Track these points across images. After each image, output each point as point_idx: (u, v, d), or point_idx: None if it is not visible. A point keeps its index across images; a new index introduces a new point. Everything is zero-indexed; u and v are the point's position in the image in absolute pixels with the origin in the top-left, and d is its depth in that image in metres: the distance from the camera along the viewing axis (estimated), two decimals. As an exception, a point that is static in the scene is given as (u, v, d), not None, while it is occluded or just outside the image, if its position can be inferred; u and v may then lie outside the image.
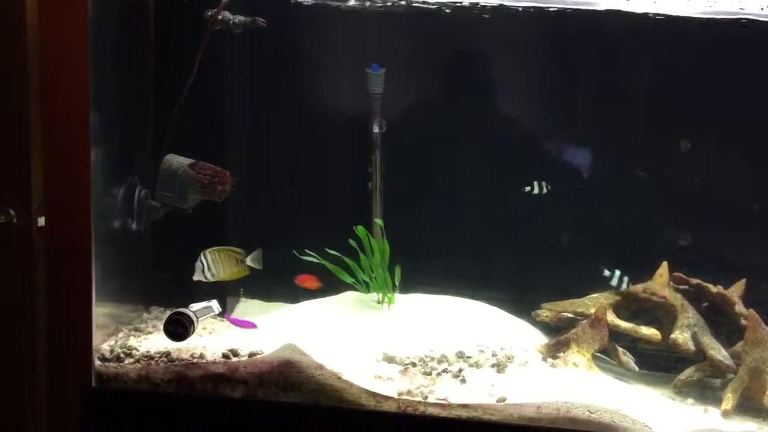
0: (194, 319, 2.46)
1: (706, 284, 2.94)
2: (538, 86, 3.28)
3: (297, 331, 2.78)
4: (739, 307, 2.87)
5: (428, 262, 3.23)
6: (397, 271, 3.13)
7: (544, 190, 3.07)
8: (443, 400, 2.46)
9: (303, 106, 3.29)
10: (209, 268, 2.76)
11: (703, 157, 3.21)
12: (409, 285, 3.20)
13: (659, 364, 3.02)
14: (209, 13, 2.74)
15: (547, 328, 3.13)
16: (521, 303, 3.16)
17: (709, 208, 3.24)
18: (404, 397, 2.46)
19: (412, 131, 3.27)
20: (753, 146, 3.18)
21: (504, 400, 2.46)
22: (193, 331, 2.47)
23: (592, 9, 2.85)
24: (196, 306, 2.54)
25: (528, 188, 3.08)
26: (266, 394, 2.46)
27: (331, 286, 3.14)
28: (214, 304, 2.64)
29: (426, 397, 2.47)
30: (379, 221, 3.12)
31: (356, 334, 2.84)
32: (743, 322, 2.82)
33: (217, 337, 2.77)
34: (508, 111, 3.27)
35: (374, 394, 2.44)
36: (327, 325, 2.88)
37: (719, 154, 3.23)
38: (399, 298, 3.14)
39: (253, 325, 2.80)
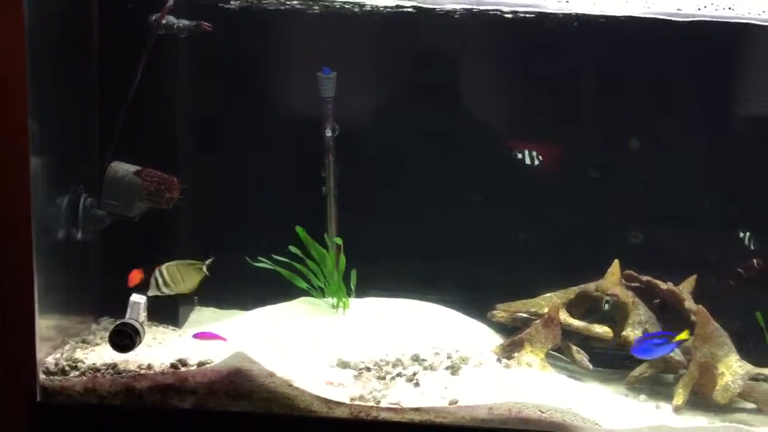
0: (140, 329, 2.41)
1: (656, 281, 2.97)
2: (488, 89, 3.30)
3: (248, 338, 2.74)
4: (689, 303, 2.91)
5: (385, 265, 3.22)
6: (353, 275, 3.12)
7: (535, 162, 3.08)
8: (396, 404, 2.45)
9: (254, 110, 3.26)
10: (165, 284, 2.71)
11: (654, 155, 3.26)
12: (365, 288, 3.20)
13: (613, 361, 3.07)
14: (153, 18, 2.69)
15: (504, 328, 3.14)
16: (477, 304, 3.17)
17: (661, 205, 3.29)
18: (357, 402, 2.45)
19: (363, 135, 3.26)
20: (702, 144, 3.24)
21: (456, 402, 2.46)
22: (140, 342, 2.43)
23: (537, 11, 2.86)
24: (127, 313, 2.49)
25: (519, 155, 3.08)
26: (216, 403, 2.42)
27: (285, 291, 3.13)
28: (135, 297, 2.56)
29: (379, 402, 2.46)
30: (337, 240, 3.10)
31: (310, 340, 2.81)
32: (693, 318, 2.87)
33: (166, 347, 2.73)
34: (458, 114, 3.28)
35: (326, 401, 2.42)
36: (280, 331, 2.85)
37: (670, 152, 3.27)
38: (354, 302, 3.12)
39: (222, 338, 2.75)
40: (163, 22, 2.67)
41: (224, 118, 3.22)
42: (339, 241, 3.10)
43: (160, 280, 2.70)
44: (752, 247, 3.03)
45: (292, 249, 2.99)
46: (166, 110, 2.96)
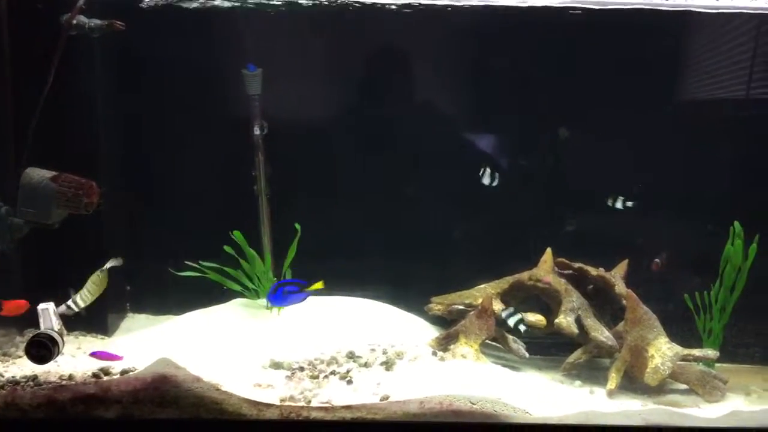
0: (58, 338, 2.33)
1: (587, 268, 3.00)
2: (411, 87, 3.27)
3: (178, 344, 2.69)
4: (619, 288, 2.94)
5: (324, 264, 3.17)
6: (288, 274, 3.08)
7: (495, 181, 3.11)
8: (326, 403, 2.42)
9: (183, 110, 3.19)
10: (77, 304, 2.64)
11: (584, 145, 3.28)
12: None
13: (550, 348, 3.09)
14: (64, 18, 2.61)
15: (443, 321, 3.14)
16: (416, 298, 3.16)
17: (594, 193, 3.31)
18: (287, 403, 2.42)
19: (293, 133, 3.22)
20: (629, 134, 3.27)
21: (387, 398, 2.45)
22: (59, 351, 2.35)
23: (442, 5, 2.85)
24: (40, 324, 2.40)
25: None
26: (142, 412, 2.35)
27: (220, 295, 3.08)
28: (43, 305, 2.47)
29: (309, 402, 2.43)
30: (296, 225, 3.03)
31: (241, 343, 2.77)
32: (624, 302, 2.90)
33: (90, 357, 2.65)
34: (383, 112, 3.26)
35: (256, 403, 2.37)
36: (210, 335, 2.79)
37: (599, 141, 3.29)
38: (289, 301, 3.09)
39: (118, 358, 2.67)
40: (74, 22, 2.59)
41: (150, 119, 3.15)
42: (297, 226, 3.02)
43: (74, 307, 2.64)
44: (622, 207, 3.05)
45: (227, 249, 2.94)
46: (83, 113, 2.87)
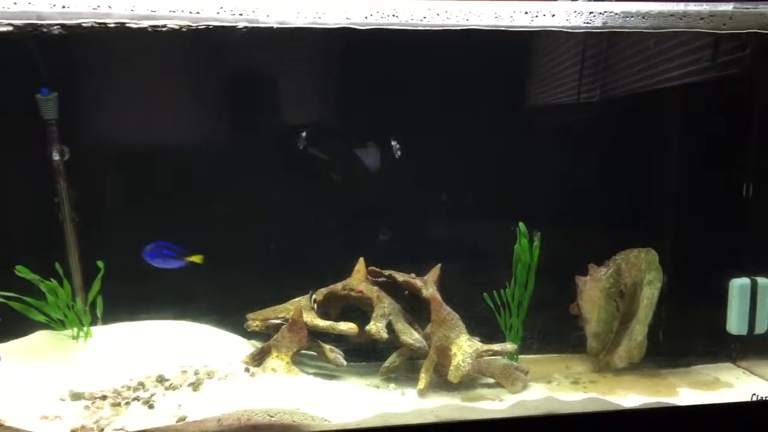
0: None
1: (395, 274, 3.08)
2: (230, 101, 3.30)
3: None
4: (426, 292, 3.04)
5: (142, 288, 3.12)
6: (99, 302, 2.99)
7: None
8: (120, 429, 2.37)
9: None
10: None
11: (392, 155, 3.40)
12: (116, 313, 3.08)
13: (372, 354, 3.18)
14: None
15: (268, 337, 3.15)
16: (237, 316, 3.16)
17: (405, 203, 3.44)
18: (78, 433, 2.35)
19: (102, 155, 3.16)
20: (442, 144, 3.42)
21: (184, 419, 2.42)
22: None
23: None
24: None
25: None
26: None
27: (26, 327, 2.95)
28: None
29: (103, 429, 2.37)
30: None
31: (40, 375, 2.66)
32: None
33: None
34: (185, 126, 3.26)
35: (43, 437, 2.30)
36: (4, 370, 2.67)
37: (410, 152, 3.42)
38: (100, 330, 3.00)
39: None
40: None
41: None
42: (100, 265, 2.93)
43: None
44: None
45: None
46: None
